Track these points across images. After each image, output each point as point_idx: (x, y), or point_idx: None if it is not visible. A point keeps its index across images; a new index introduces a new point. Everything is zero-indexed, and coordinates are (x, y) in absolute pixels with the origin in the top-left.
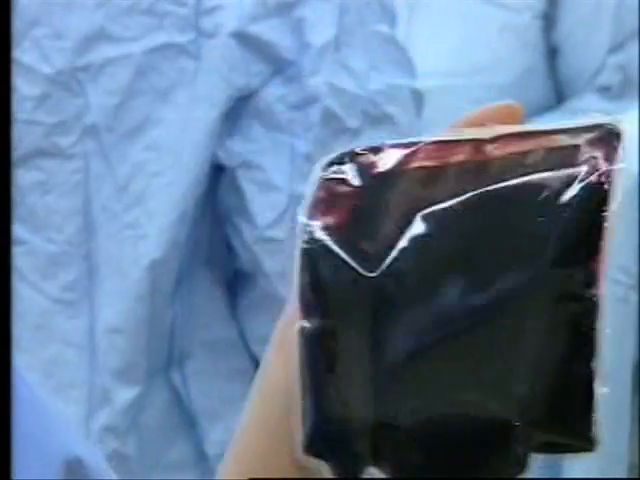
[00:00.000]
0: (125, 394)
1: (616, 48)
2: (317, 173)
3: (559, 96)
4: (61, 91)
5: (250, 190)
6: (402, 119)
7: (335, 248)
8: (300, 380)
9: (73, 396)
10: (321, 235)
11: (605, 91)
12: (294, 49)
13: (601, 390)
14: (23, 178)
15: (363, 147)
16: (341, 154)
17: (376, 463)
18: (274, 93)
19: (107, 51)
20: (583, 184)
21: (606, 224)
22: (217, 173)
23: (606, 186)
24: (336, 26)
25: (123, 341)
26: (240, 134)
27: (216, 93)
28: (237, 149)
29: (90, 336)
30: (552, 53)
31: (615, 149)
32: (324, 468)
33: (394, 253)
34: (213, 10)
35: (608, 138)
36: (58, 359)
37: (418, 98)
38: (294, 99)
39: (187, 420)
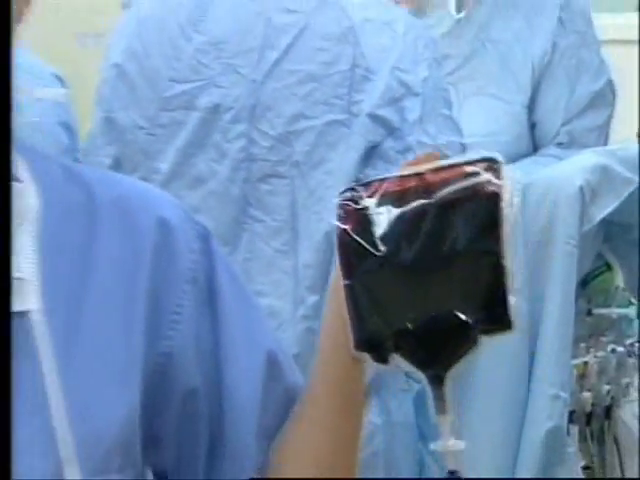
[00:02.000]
0: (312, 299)
1: (566, 123)
2: (336, 198)
3: (535, 148)
4: (280, 144)
5: None
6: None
7: (357, 239)
8: (347, 311)
9: (286, 299)
10: (351, 234)
11: (560, 145)
12: (399, 122)
13: (513, 298)
14: (264, 189)
15: (357, 183)
16: (347, 188)
17: (397, 351)
18: (388, 145)
19: (304, 123)
20: (486, 193)
21: (504, 214)
22: None
23: (498, 193)
24: (420, 111)
25: (311, 272)
26: (371, 166)
27: (359, 145)
28: (369, 174)
29: (295, 269)
30: (532, 126)
31: (498, 171)
32: (366, 357)
33: (389, 237)
34: (358, 102)
35: (494, 165)
36: (280, 281)
37: (463, 147)
38: (399, 148)
39: None
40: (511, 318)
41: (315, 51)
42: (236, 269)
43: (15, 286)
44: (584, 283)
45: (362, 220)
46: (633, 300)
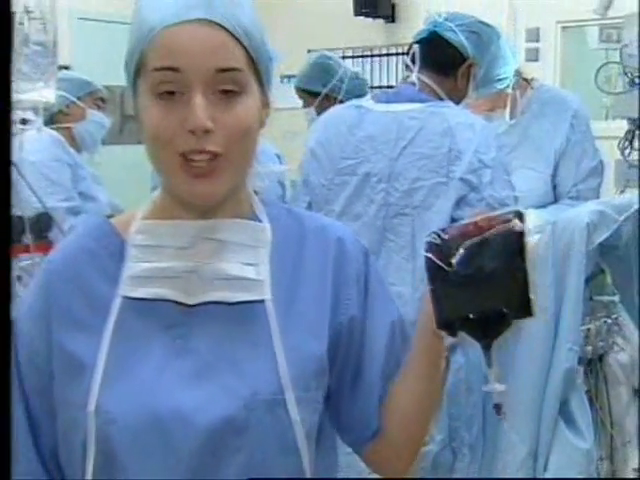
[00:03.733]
0: (423, 287)
1: (575, 185)
2: (427, 237)
3: (556, 199)
4: (406, 196)
5: None
6: (511, 205)
7: (437, 262)
8: (432, 305)
9: (408, 288)
10: (434, 259)
11: (571, 198)
12: (478, 183)
13: (534, 295)
14: (395, 222)
15: (441, 228)
16: (432, 232)
17: (462, 330)
18: (471, 196)
19: (420, 183)
20: (516, 232)
21: (526, 245)
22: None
23: (524, 231)
24: (490, 176)
25: (423, 271)
26: (460, 209)
27: (453, 196)
28: (459, 214)
29: (413, 270)
30: (554, 187)
31: (523, 217)
32: (443, 333)
33: (457, 260)
34: (453, 171)
35: (520, 215)
36: (405, 277)
37: (515, 198)
38: (477, 198)
39: None
40: (532, 309)
41: (427, 141)
42: (380, 270)
43: (256, 284)
44: (587, 281)
45: (441, 250)
46: (616, 291)
